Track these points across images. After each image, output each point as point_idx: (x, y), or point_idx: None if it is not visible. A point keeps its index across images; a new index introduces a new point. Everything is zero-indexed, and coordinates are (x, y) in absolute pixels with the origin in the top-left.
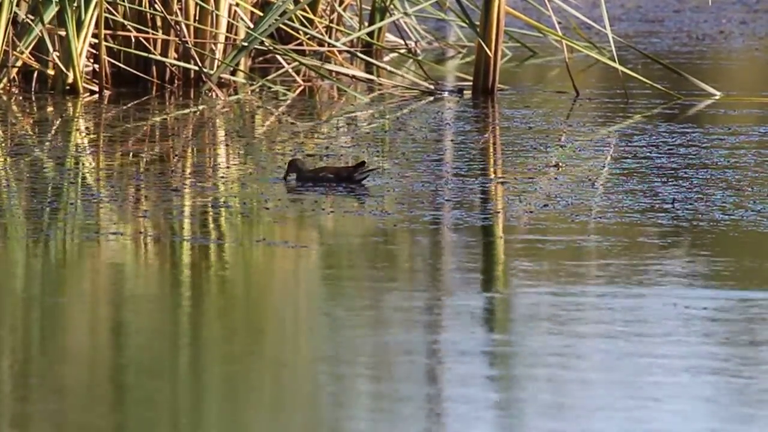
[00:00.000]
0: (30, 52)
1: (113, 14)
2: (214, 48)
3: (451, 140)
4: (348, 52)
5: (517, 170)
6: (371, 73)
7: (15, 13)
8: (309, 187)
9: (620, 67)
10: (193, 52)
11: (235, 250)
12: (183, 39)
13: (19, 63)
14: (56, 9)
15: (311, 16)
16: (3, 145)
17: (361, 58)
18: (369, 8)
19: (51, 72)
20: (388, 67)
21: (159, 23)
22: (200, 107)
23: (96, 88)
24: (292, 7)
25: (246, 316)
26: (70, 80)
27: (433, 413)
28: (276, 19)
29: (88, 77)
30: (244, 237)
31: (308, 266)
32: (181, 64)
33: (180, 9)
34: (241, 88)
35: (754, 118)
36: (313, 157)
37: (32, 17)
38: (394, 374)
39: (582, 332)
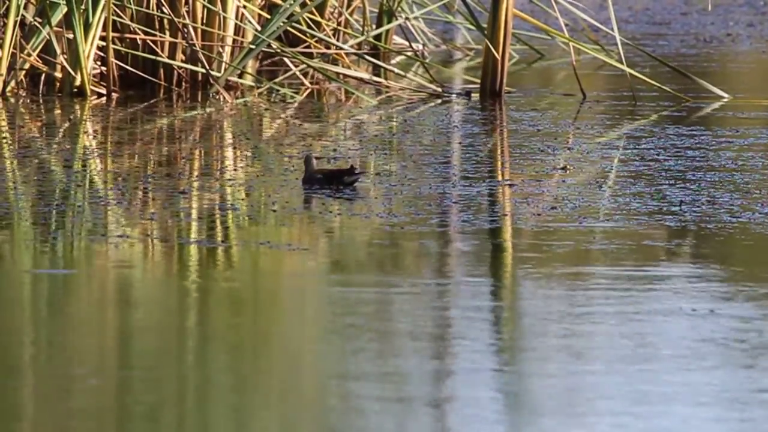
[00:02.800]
0: (38, 55)
1: (121, 17)
2: (221, 50)
3: (459, 143)
4: (355, 54)
5: (525, 173)
6: (379, 75)
7: (23, 15)
8: (314, 188)
9: (628, 70)
10: (200, 55)
11: (242, 253)
12: (190, 41)
13: (26, 66)
14: (64, 11)
15: (319, 18)
16: (11, 147)
17: (369, 61)
18: (376, 11)
19: (58, 75)
20: (396, 70)
21: (166, 26)
22: (208, 110)
23: (103, 91)
24: (299, 9)
25: (251, 321)
26: (77, 83)
27: (440, 415)
28: (283, 22)
29: (96, 80)
30: (251, 240)
31: (314, 269)
32: (189, 66)
33: (187, 11)
34: (249, 90)
35: (762, 121)
36: (320, 159)
37: (40, 20)
38: (402, 378)
39: (588, 335)
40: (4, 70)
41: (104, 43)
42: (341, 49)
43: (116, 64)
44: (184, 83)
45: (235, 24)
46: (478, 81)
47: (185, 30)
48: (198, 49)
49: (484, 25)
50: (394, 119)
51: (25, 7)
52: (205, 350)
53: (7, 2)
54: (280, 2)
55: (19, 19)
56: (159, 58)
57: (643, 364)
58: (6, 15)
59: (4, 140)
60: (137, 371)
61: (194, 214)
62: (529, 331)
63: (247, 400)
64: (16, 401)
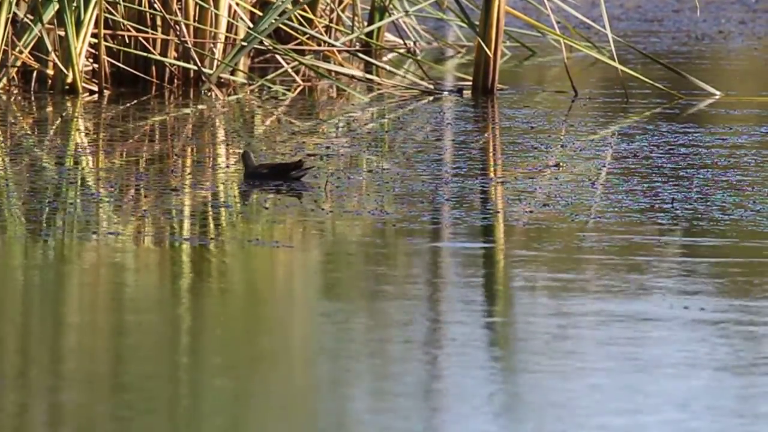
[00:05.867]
0: (29, 52)
1: (113, 14)
2: (213, 48)
3: (451, 140)
4: (347, 51)
5: (517, 170)
6: (371, 72)
7: (14, 12)
8: (256, 184)
9: (620, 67)
10: (192, 52)
11: (234, 250)
12: (182, 39)
13: (18, 63)
14: (56, 9)
15: (311, 15)
16: (2, 145)
17: (361, 58)
18: (368, 8)
19: (50, 72)
20: (388, 67)
21: (158, 23)
22: (200, 107)
23: (95, 88)
24: (291, 6)
25: (241, 318)
26: (69, 80)
27: (432, 410)
28: (275, 19)
29: (88, 77)
30: (242, 237)
31: (305, 267)
32: (181, 63)
33: (179, 9)
34: (241, 87)
35: (754, 118)
36: (314, 156)
37: (31, 17)
38: (392, 375)
39: (581, 333)
40: None
41: (96, 40)
42: (333, 46)
43: (108, 61)
44: (176, 80)
45: (227, 21)
46: (470, 78)
47: (177, 27)
48: (190, 46)
49: (476, 23)
50: (386, 116)
51: (17, 4)
52: (191, 347)
53: None
54: None
55: (10, 16)
56: (151, 56)
57: (633, 362)
58: None
59: None
60: (125, 368)
61: (186, 211)
62: (520, 329)
63: (236, 393)
64: None
